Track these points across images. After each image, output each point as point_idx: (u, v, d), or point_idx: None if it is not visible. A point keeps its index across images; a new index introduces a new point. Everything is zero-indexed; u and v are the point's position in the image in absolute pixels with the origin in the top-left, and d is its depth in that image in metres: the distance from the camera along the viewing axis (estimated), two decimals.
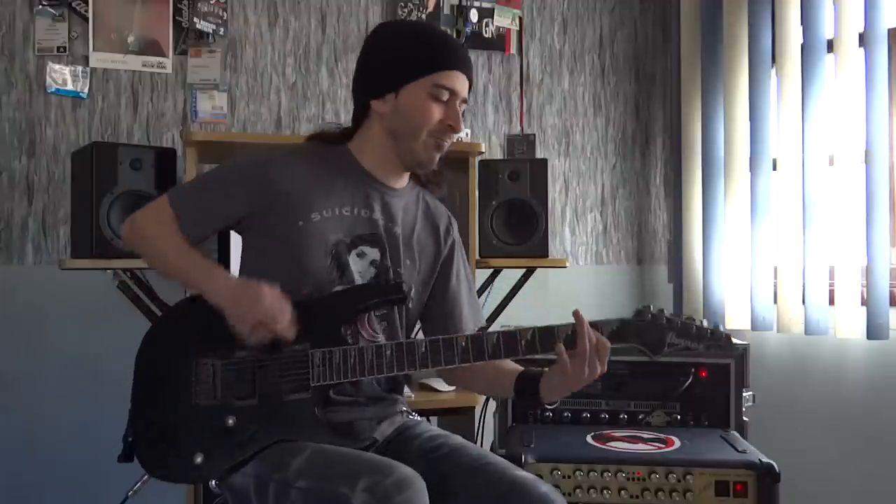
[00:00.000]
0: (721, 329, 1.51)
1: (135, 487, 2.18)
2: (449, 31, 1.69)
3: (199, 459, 1.49)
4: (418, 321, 1.74)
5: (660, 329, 1.49)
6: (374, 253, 1.61)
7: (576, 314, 1.47)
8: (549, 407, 1.56)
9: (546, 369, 1.54)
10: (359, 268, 1.60)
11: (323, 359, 1.51)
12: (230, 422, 1.50)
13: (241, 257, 1.67)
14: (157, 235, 1.60)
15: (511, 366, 1.62)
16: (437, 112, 1.57)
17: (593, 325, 1.48)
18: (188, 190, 1.69)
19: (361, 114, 1.66)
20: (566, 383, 1.49)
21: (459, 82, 1.59)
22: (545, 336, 1.50)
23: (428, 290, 1.71)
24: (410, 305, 1.66)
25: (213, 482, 1.82)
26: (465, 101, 1.62)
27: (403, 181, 1.70)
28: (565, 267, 2.63)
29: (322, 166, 1.63)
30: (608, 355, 1.47)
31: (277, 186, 1.58)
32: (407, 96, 1.57)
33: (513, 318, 2.50)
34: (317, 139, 1.70)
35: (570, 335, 1.48)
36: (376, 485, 1.31)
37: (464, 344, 1.51)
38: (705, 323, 1.51)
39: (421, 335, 1.67)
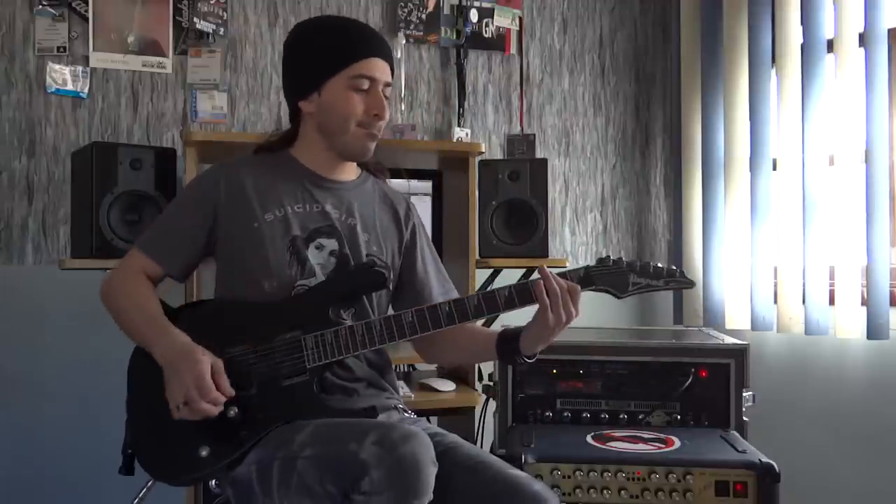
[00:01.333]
0: (674, 267, 1.62)
1: (140, 495, 2.18)
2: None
3: (204, 452, 1.51)
4: (389, 307, 1.79)
5: (622, 272, 1.59)
6: (331, 244, 1.66)
7: (541, 269, 1.55)
8: (528, 360, 1.62)
9: (524, 325, 1.62)
10: (318, 259, 1.64)
11: (315, 341, 1.56)
12: (231, 413, 1.52)
13: (216, 274, 1.72)
14: (123, 292, 1.63)
15: (485, 331, 1.71)
16: (359, 103, 1.63)
17: (562, 275, 1.57)
18: (153, 232, 1.72)
19: (294, 116, 1.73)
20: (545, 330, 1.54)
21: (378, 69, 1.63)
22: (522, 290, 1.58)
23: (396, 274, 1.76)
24: (391, 287, 1.72)
25: (214, 482, 1.83)
26: (388, 84, 1.66)
27: (352, 173, 1.77)
28: (565, 267, 2.61)
29: (268, 173, 1.69)
30: (580, 299, 1.55)
31: (228, 198, 1.64)
32: (328, 93, 1.63)
33: (513, 318, 2.49)
34: (261, 150, 1.77)
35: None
36: (384, 437, 1.36)
37: (447, 309, 1.57)
38: (660, 264, 1.61)
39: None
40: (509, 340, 1.63)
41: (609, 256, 1.61)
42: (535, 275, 1.58)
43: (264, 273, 1.61)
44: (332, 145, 1.68)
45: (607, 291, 1.60)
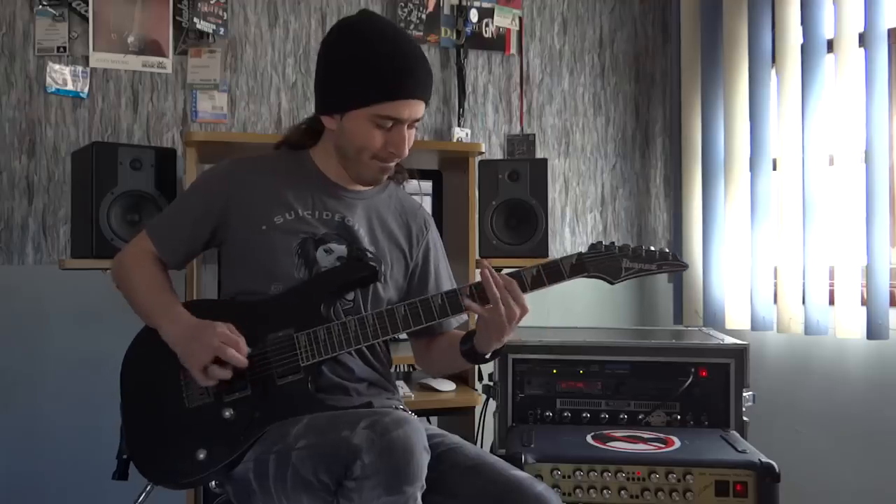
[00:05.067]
0: (667, 250, 1.59)
1: (139, 500, 2.18)
2: (413, 48, 1.59)
3: (201, 455, 1.51)
4: None
5: (614, 257, 1.56)
6: (340, 250, 1.64)
7: (479, 261, 1.51)
8: (487, 359, 1.60)
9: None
10: (326, 263, 1.63)
11: (308, 339, 1.54)
12: (227, 414, 1.52)
13: (219, 271, 1.71)
14: (133, 267, 1.67)
15: (459, 335, 1.67)
16: (379, 138, 1.57)
17: (553, 263, 1.54)
18: (162, 216, 1.75)
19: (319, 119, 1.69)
20: (493, 331, 1.51)
21: (407, 110, 1.56)
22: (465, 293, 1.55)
23: (399, 291, 1.73)
24: (382, 280, 1.68)
25: (214, 482, 1.82)
26: (416, 121, 1.60)
27: None
28: None
29: (283, 174, 1.67)
30: (519, 291, 1.50)
31: (238, 197, 1.63)
32: (349, 121, 1.58)
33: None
34: (283, 145, 1.75)
35: (477, 287, 1.54)
36: (376, 423, 1.35)
37: (440, 301, 1.56)
38: (653, 247, 1.58)
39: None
40: (466, 340, 1.61)
41: (601, 242, 1.58)
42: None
43: (271, 276, 1.60)
44: (345, 166, 1.65)
45: (600, 278, 1.56)
